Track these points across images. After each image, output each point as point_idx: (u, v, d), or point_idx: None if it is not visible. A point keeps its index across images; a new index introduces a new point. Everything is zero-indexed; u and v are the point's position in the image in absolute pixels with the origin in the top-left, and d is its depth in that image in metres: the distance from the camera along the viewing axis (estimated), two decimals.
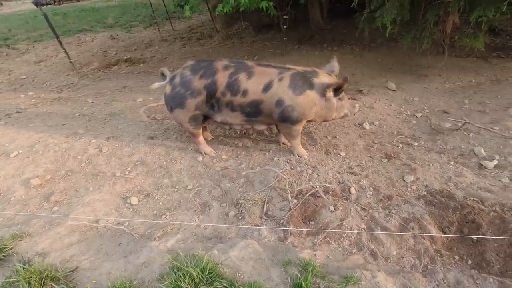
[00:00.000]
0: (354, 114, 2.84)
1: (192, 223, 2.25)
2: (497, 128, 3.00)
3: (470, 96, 3.75)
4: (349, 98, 3.10)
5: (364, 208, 2.24)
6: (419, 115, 3.47)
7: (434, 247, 1.96)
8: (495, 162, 2.57)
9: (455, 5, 3.54)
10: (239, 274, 1.69)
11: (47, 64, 7.49)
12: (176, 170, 2.81)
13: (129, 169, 2.87)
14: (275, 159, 2.79)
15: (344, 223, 2.11)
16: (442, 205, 2.19)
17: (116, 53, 8.04)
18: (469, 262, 1.88)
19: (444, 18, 4.01)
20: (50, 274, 1.73)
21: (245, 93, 2.43)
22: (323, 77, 2.45)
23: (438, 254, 1.92)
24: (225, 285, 1.59)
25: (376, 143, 3.04)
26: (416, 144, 2.97)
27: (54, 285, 1.68)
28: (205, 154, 2.93)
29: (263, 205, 2.30)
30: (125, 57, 7.53)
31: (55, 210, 2.45)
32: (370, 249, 1.97)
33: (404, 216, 2.14)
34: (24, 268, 1.76)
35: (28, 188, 2.69)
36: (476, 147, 2.78)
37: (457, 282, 1.69)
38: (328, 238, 2.05)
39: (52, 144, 3.30)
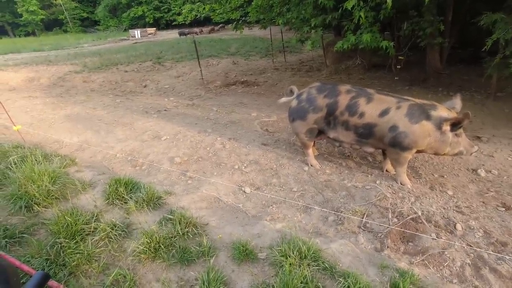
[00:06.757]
0: (471, 154, 2.77)
1: (295, 218, 2.59)
2: None
3: None
4: None
5: (470, 245, 2.19)
6: None
7: None
8: None
9: None
10: (339, 263, 1.92)
11: (184, 79, 9.28)
12: (284, 173, 3.23)
13: (245, 165, 3.43)
14: (377, 182, 2.93)
15: (446, 253, 2.11)
16: None
17: (235, 76, 9.40)
18: None
19: None
20: (192, 221, 2.30)
21: (362, 115, 2.71)
22: (442, 111, 2.55)
23: None
24: (327, 265, 1.85)
25: (491, 191, 2.88)
26: None
27: (194, 229, 2.23)
28: (311, 165, 3.27)
29: (363, 217, 2.47)
30: (242, 80, 8.75)
31: (189, 183, 3.15)
32: (474, 285, 1.93)
33: None
34: (176, 212, 2.39)
35: (172, 163, 3.51)
36: None
37: None
38: (426, 262, 2.08)
39: (189, 135, 4.19)
